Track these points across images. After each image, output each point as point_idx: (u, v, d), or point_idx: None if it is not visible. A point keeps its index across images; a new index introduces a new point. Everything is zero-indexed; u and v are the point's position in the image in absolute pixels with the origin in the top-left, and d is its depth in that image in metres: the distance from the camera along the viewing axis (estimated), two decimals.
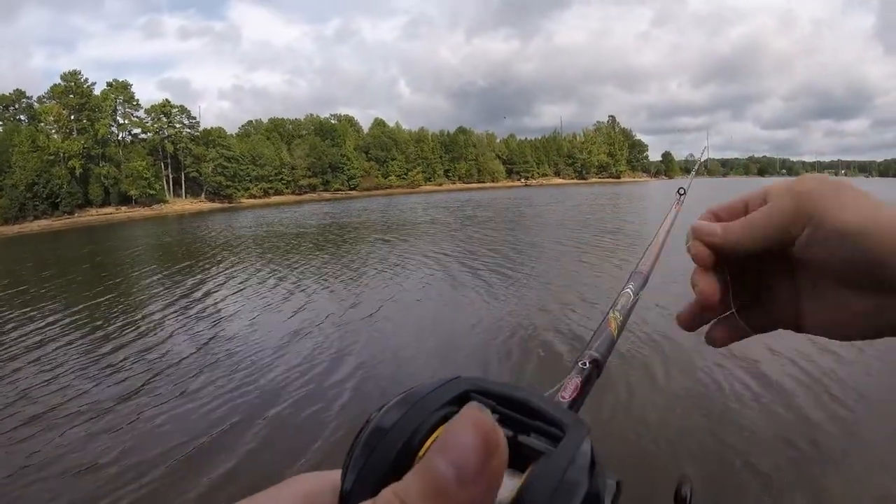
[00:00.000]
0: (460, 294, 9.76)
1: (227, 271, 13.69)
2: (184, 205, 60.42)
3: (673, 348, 6.10)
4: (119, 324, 8.66)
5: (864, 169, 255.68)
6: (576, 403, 0.40)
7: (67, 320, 9.03)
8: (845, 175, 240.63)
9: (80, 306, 10.11)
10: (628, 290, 0.63)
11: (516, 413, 0.26)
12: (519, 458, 0.24)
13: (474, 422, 0.20)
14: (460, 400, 0.26)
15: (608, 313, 0.55)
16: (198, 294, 10.92)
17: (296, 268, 13.53)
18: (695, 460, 3.97)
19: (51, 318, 9.20)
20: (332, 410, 5.04)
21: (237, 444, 4.51)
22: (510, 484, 0.22)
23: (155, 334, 8.01)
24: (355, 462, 0.22)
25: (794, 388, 5.05)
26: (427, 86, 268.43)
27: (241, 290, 11.15)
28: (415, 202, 46.87)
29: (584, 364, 0.45)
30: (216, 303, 10.10)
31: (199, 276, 13.09)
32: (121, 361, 6.76)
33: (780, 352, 5.80)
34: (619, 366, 5.60)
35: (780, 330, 0.51)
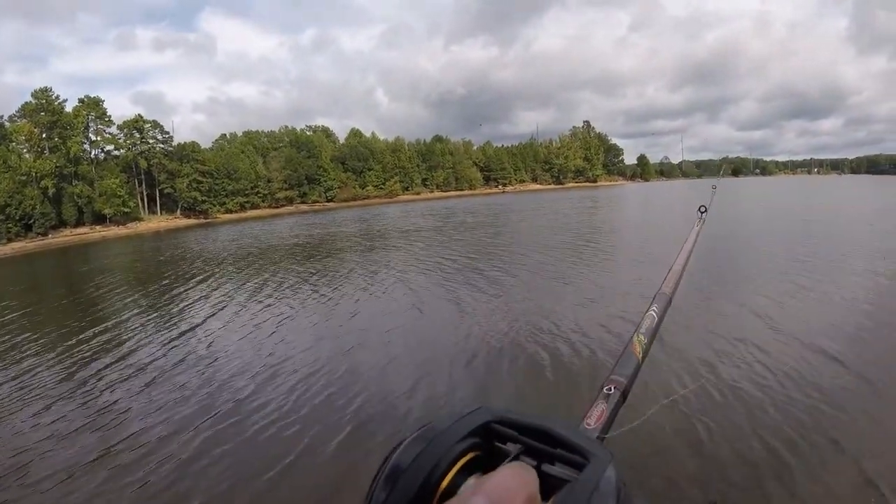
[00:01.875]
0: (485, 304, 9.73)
1: (210, 295, 13.16)
2: (159, 222, 60.84)
3: (703, 368, 5.91)
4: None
5: (836, 167, 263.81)
6: (602, 430, 0.40)
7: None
8: (818, 173, 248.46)
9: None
10: (653, 311, 0.64)
11: (539, 442, 0.27)
12: (544, 488, 0.24)
13: (524, 493, 0.20)
14: (482, 431, 0.27)
15: (632, 336, 0.55)
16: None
17: (304, 283, 13.56)
18: (725, 485, 3.94)
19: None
20: (348, 444, 4.90)
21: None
22: None
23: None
24: (376, 499, 0.23)
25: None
26: (405, 94, 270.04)
27: (233, 316, 10.54)
28: (396, 211, 47.81)
29: (610, 390, 0.45)
30: (209, 336, 9.32)
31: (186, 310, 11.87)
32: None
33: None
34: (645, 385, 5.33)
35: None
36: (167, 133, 63.77)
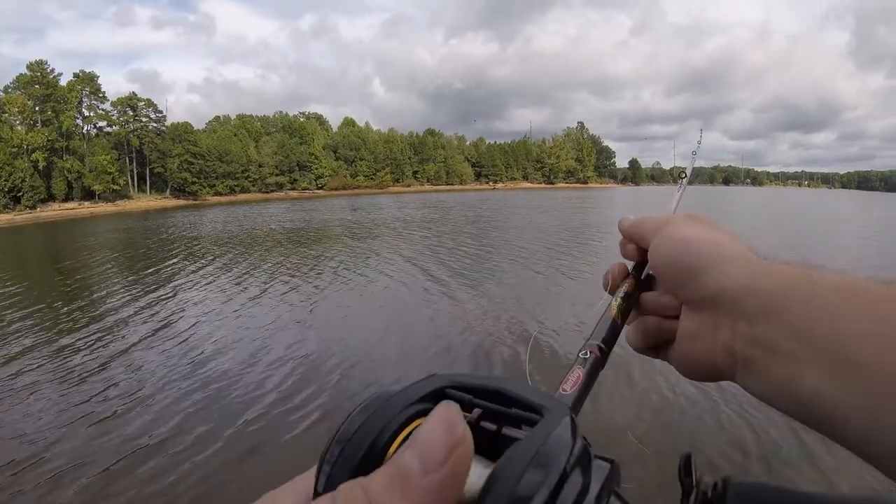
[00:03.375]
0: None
1: (201, 273, 13.52)
2: (148, 201, 61.71)
3: None
4: None
5: (827, 180, 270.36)
6: (579, 394, 0.40)
7: None
8: (808, 186, 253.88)
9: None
10: (633, 276, 0.64)
11: (495, 404, 0.27)
12: (502, 449, 0.24)
13: (439, 416, 0.21)
14: (435, 396, 0.27)
15: (611, 300, 0.56)
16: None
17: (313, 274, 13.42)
18: (699, 442, 4.34)
19: None
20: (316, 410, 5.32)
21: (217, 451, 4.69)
22: (486, 472, 0.23)
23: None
24: (326, 463, 0.24)
25: None
26: (402, 85, 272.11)
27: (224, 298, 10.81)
28: (389, 202, 48.75)
29: (587, 354, 0.45)
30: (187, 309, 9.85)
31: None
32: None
33: None
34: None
35: None
36: (160, 112, 64.77)
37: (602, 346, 0.48)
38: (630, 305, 0.53)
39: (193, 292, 11.21)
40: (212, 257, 16.20)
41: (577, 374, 0.42)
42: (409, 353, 7.16)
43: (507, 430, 0.26)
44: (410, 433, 0.25)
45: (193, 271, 13.78)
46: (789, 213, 40.76)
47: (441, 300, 9.98)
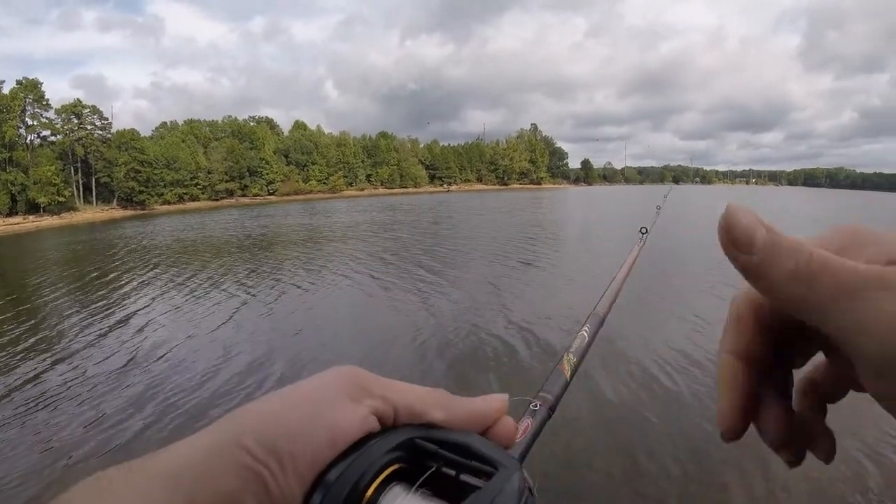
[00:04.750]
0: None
1: (149, 287, 13.93)
2: (94, 213, 61.86)
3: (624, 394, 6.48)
4: None
5: (774, 178, 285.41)
6: (527, 443, 0.45)
7: None
8: (755, 183, 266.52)
9: None
10: (584, 331, 0.71)
11: (457, 455, 0.32)
12: (460, 496, 0.29)
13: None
14: (406, 445, 0.33)
15: (563, 356, 0.61)
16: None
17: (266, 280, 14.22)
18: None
19: None
20: None
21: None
22: None
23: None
24: (316, 497, 0.29)
25: None
26: (355, 88, 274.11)
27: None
28: (343, 208, 47.79)
29: (536, 406, 0.51)
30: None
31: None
32: None
33: None
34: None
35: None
36: (106, 119, 65.16)
37: (552, 399, 0.54)
38: (584, 354, 0.57)
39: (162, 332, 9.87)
40: (174, 280, 15.02)
41: (526, 424, 0.48)
42: (381, 354, 8.12)
43: (465, 478, 0.31)
44: (385, 478, 0.31)
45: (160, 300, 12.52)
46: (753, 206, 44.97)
47: (411, 300, 11.24)
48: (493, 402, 0.37)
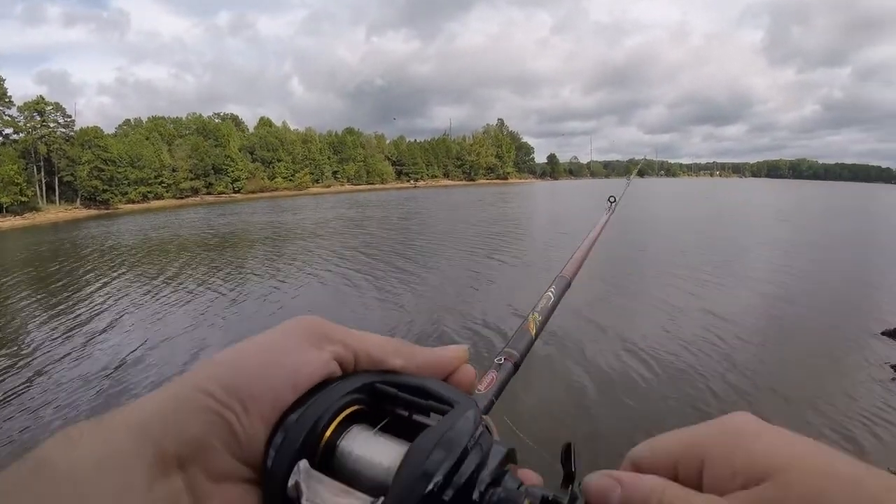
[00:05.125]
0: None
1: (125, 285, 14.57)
2: (58, 212, 61.89)
3: (584, 353, 7.86)
4: None
5: (738, 170, 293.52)
6: (493, 395, 0.48)
7: None
8: (720, 175, 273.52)
9: None
10: (550, 293, 0.74)
11: (415, 396, 0.35)
12: (416, 434, 0.32)
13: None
14: (367, 389, 0.35)
15: (529, 314, 0.64)
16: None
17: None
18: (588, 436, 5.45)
19: None
20: None
21: None
22: (403, 450, 0.31)
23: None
24: (272, 448, 0.31)
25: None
26: (321, 84, 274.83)
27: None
28: (312, 204, 48.24)
29: (501, 360, 0.54)
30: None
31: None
32: None
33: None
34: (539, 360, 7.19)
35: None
36: (69, 117, 65.27)
37: (517, 355, 0.57)
38: (549, 314, 0.65)
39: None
40: (145, 283, 15.01)
41: (492, 377, 0.50)
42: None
43: (422, 419, 0.34)
44: (345, 418, 0.33)
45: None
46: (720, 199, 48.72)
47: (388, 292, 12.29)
48: (452, 351, 0.40)
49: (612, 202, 1.65)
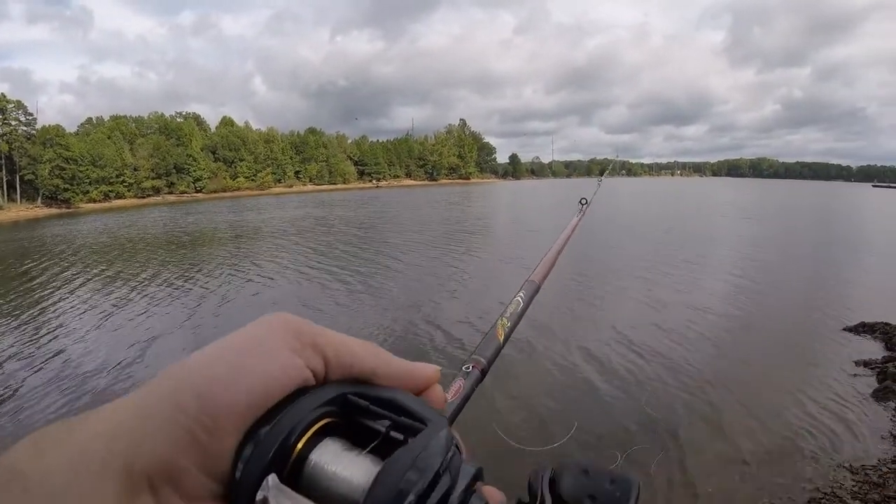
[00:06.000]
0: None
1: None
2: (19, 211, 62.84)
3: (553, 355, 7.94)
4: None
5: (699, 169, 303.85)
6: (459, 404, 0.49)
7: None
8: (681, 175, 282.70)
9: None
10: (519, 297, 0.74)
11: (387, 411, 0.35)
12: (388, 450, 0.32)
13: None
14: (339, 401, 0.35)
15: (497, 320, 0.64)
16: None
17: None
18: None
19: None
20: None
21: None
22: (375, 468, 0.32)
23: None
24: (241, 461, 0.31)
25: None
26: (284, 84, 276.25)
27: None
28: (273, 204, 49.39)
29: (469, 368, 0.55)
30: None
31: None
32: None
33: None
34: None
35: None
36: (31, 115, 66.60)
37: (484, 363, 0.57)
38: (518, 320, 0.65)
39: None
40: (114, 284, 14.83)
41: (459, 385, 0.51)
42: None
43: (395, 434, 0.34)
44: (317, 430, 0.33)
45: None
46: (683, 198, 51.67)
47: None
48: (426, 369, 0.40)
49: (583, 204, 1.73)
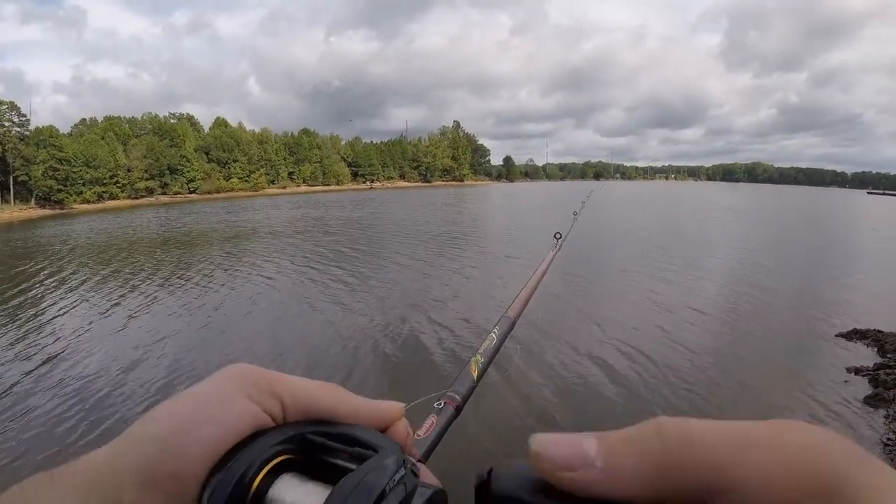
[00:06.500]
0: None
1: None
2: (12, 212, 62.70)
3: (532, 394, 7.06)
4: None
5: (693, 173, 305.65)
6: (433, 440, 0.49)
7: None
8: (675, 179, 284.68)
9: None
10: (493, 334, 0.75)
11: (344, 443, 0.37)
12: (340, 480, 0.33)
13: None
14: (295, 437, 0.37)
15: (472, 357, 0.65)
16: None
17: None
18: None
19: None
20: None
21: None
22: (324, 494, 0.33)
23: None
24: (204, 499, 0.32)
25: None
26: (279, 84, 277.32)
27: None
28: (268, 205, 48.65)
29: (441, 405, 0.55)
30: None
31: None
32: None
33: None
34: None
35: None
36: (24, 116, 66.85)
37: (458, 399, 0.58)
38: (493, 356, 0.66)
39: None
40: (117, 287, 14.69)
41: (431, 422, 0.52)
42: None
43: (349, 464, 0.36)
44: (274, 467, 0.35)
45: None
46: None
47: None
48: (389, 406, 0.41)
49: (557, 238, 1.71)
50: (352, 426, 0.39)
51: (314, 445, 0.37)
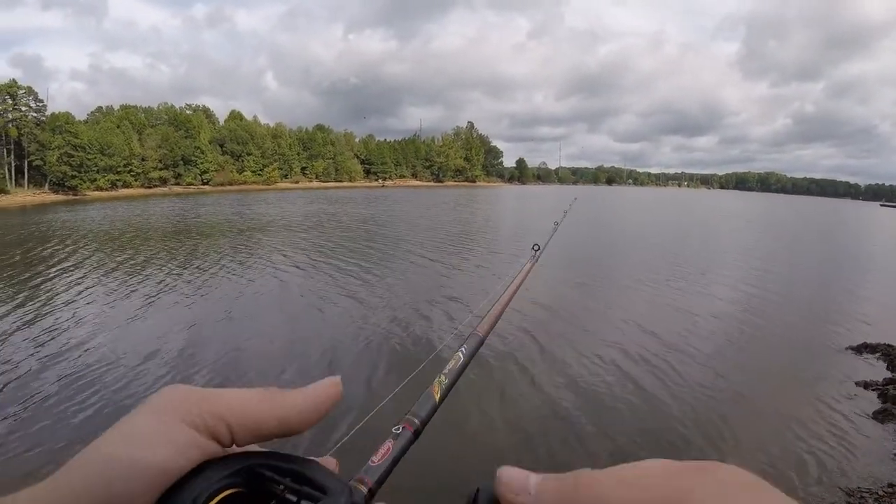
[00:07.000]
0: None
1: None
2: (25, 196, 63.79)
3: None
4: None
5: (706, 181, 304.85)
6: (388, 467, 0.48)
7: None
8: (687, 186, 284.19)
9: None
10: (461, 352, 0.73)
11: (292, 481, 0.37)
12: None
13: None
14: (244, 470, 0.36)
15: (435, 377, 0.63)
16: None
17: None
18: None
19: None
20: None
21: None
22: None
23: None
24: None
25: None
26: (296, 80, 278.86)
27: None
28: (281, 199, 49.23)
29: (399, 429, 0.53)
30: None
31: None
32: None
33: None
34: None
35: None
36: (41, 101, 67.44)
37: (417, 423, 0.56)
38: (457, 377, 0.63)
39: None
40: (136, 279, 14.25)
41: (388, 447, 0.50)
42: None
43: (292, 498, 0.36)
44: (219, 502, 0.34)
45: None
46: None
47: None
48: (323, 387, 0.42)
49: (535, 250, 1.70)
50: (305, 463, 0.38)
51: (263, 478, 0.37)
